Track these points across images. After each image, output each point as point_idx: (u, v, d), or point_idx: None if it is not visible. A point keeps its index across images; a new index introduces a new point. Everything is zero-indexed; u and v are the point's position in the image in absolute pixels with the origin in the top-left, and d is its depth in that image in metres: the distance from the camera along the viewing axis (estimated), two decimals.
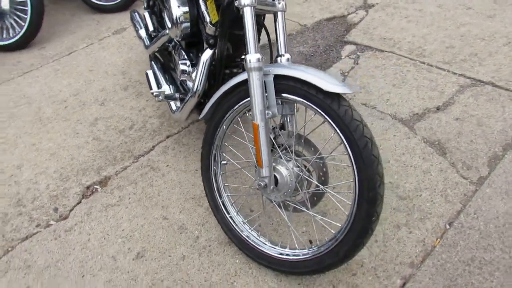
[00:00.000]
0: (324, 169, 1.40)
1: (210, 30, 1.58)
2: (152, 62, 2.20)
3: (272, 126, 1.50)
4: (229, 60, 1.70)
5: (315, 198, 1.43)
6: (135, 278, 1.55)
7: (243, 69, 1.75)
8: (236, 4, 1.31)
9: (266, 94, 1.33)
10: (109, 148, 2.17)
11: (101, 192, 1.93)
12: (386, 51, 2.59)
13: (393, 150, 1.93)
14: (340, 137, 1.25)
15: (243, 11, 1.30)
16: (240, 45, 1.66)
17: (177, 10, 1.65)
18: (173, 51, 1.97)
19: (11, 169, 2.10)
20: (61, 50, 3.12)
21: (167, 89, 1.98)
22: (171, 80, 2.05)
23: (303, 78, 1.28)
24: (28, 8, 3.00)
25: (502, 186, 1.69)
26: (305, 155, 1.44)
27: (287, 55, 1.49)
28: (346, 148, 1.25)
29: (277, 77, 1.33)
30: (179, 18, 1.65)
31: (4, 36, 3.15)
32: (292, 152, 1.43)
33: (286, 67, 1.33)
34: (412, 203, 1.68)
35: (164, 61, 2.19)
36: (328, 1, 3.27)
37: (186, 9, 1.65)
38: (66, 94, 2.62)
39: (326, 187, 1.40)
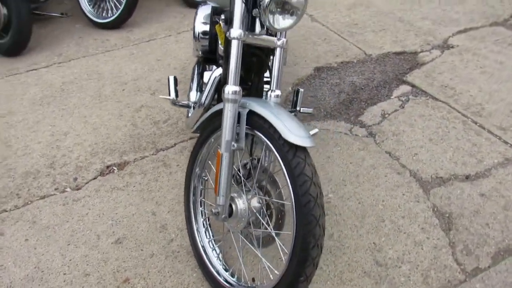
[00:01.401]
0: (283, 213, 1.39)
1: (220, 50, 1.64)
2: (195, 66, 2.34)
3: (251, 158, 1.52)
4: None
5: (266, 239, 1.42)
6: (106, 260, 1.71)
7: (248, 92, 1.78)
8: (227, 35, 1.35)
9: (238, 126, 1.36)
10: (140, 135, 2.37)
11: (116, 174, 2.13)
12: (440, 101, 2.38)
13: (394, 210, 1.80)
14: (289, 188, 1.23)
15: (231, 43, 1.33)
16: (249, 70, 1.69)
17: (200, 26, 1.74)
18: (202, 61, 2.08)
19: (59, 134, 2.42)
20: (143, 36, 3.44)
21: (193, 96, 2.09)
22: (200, 88, 2.16)
23: (270, 120, 1.28)
24: None
25: (496, 286, 1.48)
26: (270, 194, 1.44)
27: (278, 92, 1.49)
28: (291, 200, 1.23)
29: (253, 112, 1.35)
30: (199, 34, 1.74)
31: (104, 15, 3.58)
32: (256, 188, 1.43)
33: (262, 105, 1.34)
34: (386, 273, 1.57)
35: (201, 69, 2.31)
36: (405, 34, 3.08)
37: (207, 28, 1.73)
38: (129, 78, 2.90)
39: (277, 232, 1.38)
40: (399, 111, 2.34)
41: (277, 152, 1.28)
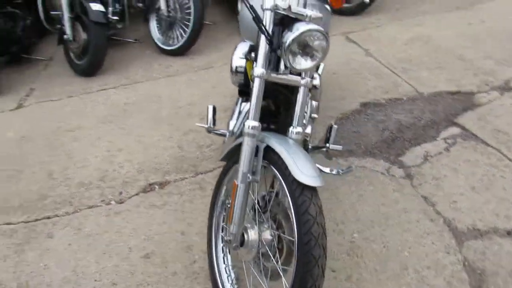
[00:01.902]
0: (292, 250, 1.40)
1: (251, 85, 1.73)
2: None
3: (270, 191, 1.56)
4: (267, 115, 1.79)
5: (275, 273, 1.44)
6: (133, 272, 1.84)
7: (278, 126, 1.83)
8: (251, 73, 1.43)
9: (256, 158, 1.42)
10: (184, 158, 2.52)
11: (156, 192, 2.28)
12: (491, 146, 2.24)
13: (421, 258, 1.72)
14: (293, 225, 1.26)
15: (254, 80, 1.41)
16: (278, 106, 1.76)
17: (236, 61, 1.84)
18: None
19: (114, 150, 2.65)
20: (203, 64, 3.66)
21: (231, 125, 2.18)
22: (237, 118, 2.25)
23: (283, 157, 1.33)
24: (191, 24, 3.62)
25: None
26: (283, 228, 1.46)
27: (299, 129, 1.52)
28: (294, 237, 1.25)
29: (270, 147, 1.41)
30: (235, 68, 1.84)
31: (170, 42, 3.88)
32: (270, 221, 1.47)
33: (279, 141, 1.40)
34: None
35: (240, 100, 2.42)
36: (463, 73, 2.96)
37: (243, 63, 1.83)
38: (184, 102, 3.10)
39: (284, 268, 1.40)
40: (443, 154, 2.25)
41: (287, 189, 1.32)
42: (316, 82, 1.70)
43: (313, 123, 2.07)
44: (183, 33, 3.76)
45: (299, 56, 1.38)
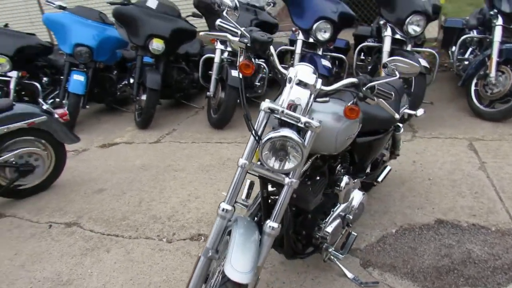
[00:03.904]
0: None
1: None
2: None
3: None
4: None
5: None
6: None
7: None
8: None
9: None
10: None
11: (199, 243, 2.52)
12: None
13: None
14: None
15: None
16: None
17: None
18: None
19: (193, 196, 3.04)
20: None
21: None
22: None
23: (229, 245, 1.41)
24: None
25: None
26: None
27: (274, 224, 1.54)
28: None
29: None
30: None
31: None
32: None
33: (240, 230, 1.48)
34: None
35: None
36: None
37: None
38: None
39: None
40: None
41: (221, 277, 1.38)
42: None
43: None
44: None
45: (271, 157, 1.46)
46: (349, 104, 1.56)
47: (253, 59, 1.54)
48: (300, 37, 4.14)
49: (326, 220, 1.93)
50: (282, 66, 1.61)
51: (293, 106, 1.51)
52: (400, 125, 2.43)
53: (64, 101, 4.63)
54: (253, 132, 1.52)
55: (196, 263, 1.56)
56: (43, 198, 3.23)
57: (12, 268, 2.43)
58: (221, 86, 4.29)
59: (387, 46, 3.79)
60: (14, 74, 4.58)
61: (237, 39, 1.55)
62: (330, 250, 1.95)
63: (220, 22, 1.59)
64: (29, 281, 2.31)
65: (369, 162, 2.29)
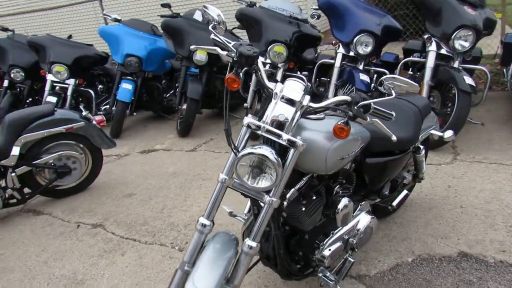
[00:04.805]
0: None
1: None
2: None
3: None
4: None
5: None
6: None
7: None
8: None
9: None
10: None
11: None
12: None
13: None
14: None
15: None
16: None
17: None
18: None
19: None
20: None
21: None
22: None
23: (197, 261, 1.40)
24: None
25: None
26: None
27: (252, 243, 1.49)
28: None
29: None
30: None
31: None
32: None
33: (213, 247, 1.47)
34: None
35: None
36: None
37: None
38: None
39: None
40: None
41: None
42: None
43: None
44: None
45: (245, 174, 1.42)
46: (339, 123, 1.47)
47: (240, 74, 1.53)
48: (340, 50, 4.04)
49: (324, 242, 1.84)
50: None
51: (276, 123, 1.46)
52: (421, 146, 2.26)
53: (113, 108, 4.93)
54: (233, 147, 1.49)
55: (173, 276, 1.56)
56: (78, 199, 3.44)
57: (37, 263, 2.61)
58: (258, 97, 4.30)
59: (430, 61, 3.57)
60: (71, 81, 4.98)
61: (225, 53, 1.54)
62: (326, 274, 1.85)
63: (214, 36, 1.60)
64: (48, 277, 2.46)
65: (381, 185, 2.15)
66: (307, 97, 1.48)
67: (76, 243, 2.79)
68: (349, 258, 1.88)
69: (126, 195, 3.44)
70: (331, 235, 1.87)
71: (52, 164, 3.24)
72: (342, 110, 1.49)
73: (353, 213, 1.99)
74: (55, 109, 3.22)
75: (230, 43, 1.55)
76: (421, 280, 2.09)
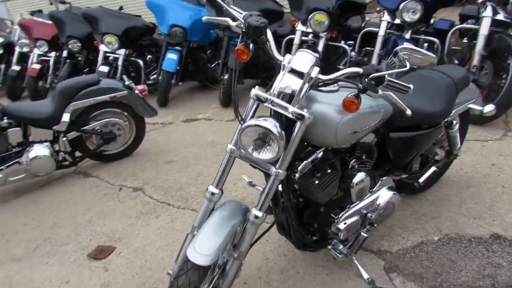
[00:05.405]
0: None
1: None
2: None
3: None
4: None
5: None
6: (164, 268, 2.28)
7: None
8: None
9: None
10: None
11: None
12: None
13: None
14: None
15: None
16: None
17: None
18: None
19: (237, 178, 3.12)
20: None
21: None
22: None
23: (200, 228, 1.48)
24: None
25: None
26: None
27: (258, 213, 1.50)
28: None
29: None
30: None
31: None
32: None
33: (219, 214, 1.52)
34: None
35: None
36: None
37: None
38: None
39: None
40: None
41: None
42: None
43: None
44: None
45: (250, 145, 1.44)
46: (348, 95, 1.43)
47: (250, 45, 1.52)
48: (385, 18, 3.82)
49: (340, 215, 1.83)
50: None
51: (284, 95, 1.45)
52: (454, 121, 2.13)
53: (160, 78, 5.10)
54: (239, 118, 1.51)
55: (184, 240, 1.65)
56: (123, 164, 3.66)
57: (82, 221, 2.85)
58: None
59: (484, 28, 3.28)
60: (122, 51, 5.19)
61: (235, 24, 1.54)
62: (339, 247, 1.85)
63: (226, 6, 1.60)
64: (91, 234, 2.69)
65: (407, 160, 2.07)
66: (316, 69, 1.44)
67: (117, 205, 3.00)
68: (362, 233, 1.86)
69: (166, 162, 3.60)
70: (347, 209, 1.86)
71: (99, 131, 3.46)
72: (352, 82, 1.44)
73: (373, 188, 1.95)
74: (100, 78, 3.40)
75: (241, 13, 1.54)
76: (445, 260, 2.03)
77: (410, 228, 2.27)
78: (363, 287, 1.92)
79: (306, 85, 1.45)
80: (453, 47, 3.96)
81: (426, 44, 4.04)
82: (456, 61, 3.88)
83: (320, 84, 1.51)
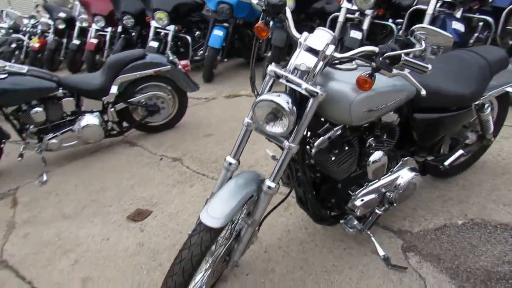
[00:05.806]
0: None
1: None
2: None
3: None
4: None
5: None
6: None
7: None
8: None
9: None
10: None
11: None
12: None
13: None
14: None
15: None
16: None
17: None
18: None
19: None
20: None
21: None
22: None
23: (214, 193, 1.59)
24: None
25: None
26: None
27: (272, 184, 1.58)
28: None
29: None
30: None
31: None
32: None
33: (235, 182, 1.62)
34: None
35: None
36: None
37: None
38: None
39: None
40: None
41: None
42: None
43: None
44: None
45: (264, 119, 1.51)
46: (362, 74, 1.45)
47: (270, 23, 1.57)
48: None
49: (357, 192, 1.87)
50: None
51: (298, 72, 1.50)
52: (486, 104, 2.06)
53: (206, 54, 5.24)
54: (255, 93, 1.58)
55: (204, 205, 1.77)
56: (166, 136, 3.88)
57: (125, 186, 3.10)
58: (340, 46, 4.17)
59: None
60: (171, 28, 5.38)
61: (256, 1, 1.59)
62: (353, 223, 1.90)
63: None
64: (131, 198, 2.92)
65: (432, 142, 2.04)
66: (331, 47, 1.47)
67: (157, 173, 3.22)
68: (376, 210, 1.89)
69: (205, 135, 3.77)
70: (365, 186, 1.89)
71: (144, 103, 3.68)
72: (366, 61, 1.46)
73: (394, 168, 1.96)
74: (146, 53, 3.59)
75: None
76: (466, 244, 2.01)
77: (434, 211, 2.25)
78: (378, 264, 1.97)
79: (321, 63, 1.48)
80: (509, 27, 3.70)
81: (480, 24, 3.82)
82: (511, 42, 3.65)
83: (337, 62, 1.54)
